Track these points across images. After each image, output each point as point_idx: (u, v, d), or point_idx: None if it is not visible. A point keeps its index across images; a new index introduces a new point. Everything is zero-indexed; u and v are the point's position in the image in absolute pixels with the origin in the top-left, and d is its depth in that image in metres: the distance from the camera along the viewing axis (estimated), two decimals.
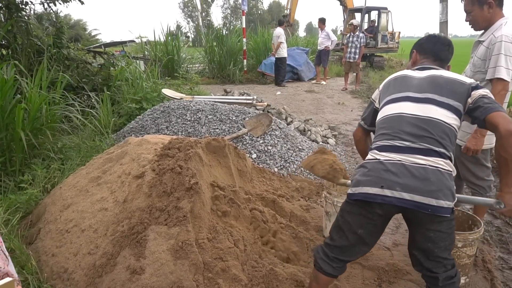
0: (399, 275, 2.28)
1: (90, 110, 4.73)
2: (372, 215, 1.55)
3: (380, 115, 1.73)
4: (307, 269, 2.24)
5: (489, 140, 2.34)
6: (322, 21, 10.92)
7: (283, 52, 10.36)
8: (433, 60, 1.84)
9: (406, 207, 1.46)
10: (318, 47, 10.88)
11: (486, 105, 1.53)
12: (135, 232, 2.00)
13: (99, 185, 2.44)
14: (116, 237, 2.01)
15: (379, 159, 1.54)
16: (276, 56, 10.47)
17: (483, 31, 2.36)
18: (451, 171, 1.50)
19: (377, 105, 1.84)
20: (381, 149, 1.58)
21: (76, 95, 5.28)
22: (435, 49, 1.85)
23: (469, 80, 1.65)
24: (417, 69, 1.81)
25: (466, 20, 2.36)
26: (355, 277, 2.27)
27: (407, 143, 1.53)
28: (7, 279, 0.91)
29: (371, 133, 1.94)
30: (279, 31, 10.37)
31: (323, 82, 11.12)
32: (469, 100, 1.59)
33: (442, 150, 1.51)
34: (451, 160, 1.53)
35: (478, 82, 1.67)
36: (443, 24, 11.62)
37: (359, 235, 1.59)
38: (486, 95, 1.58)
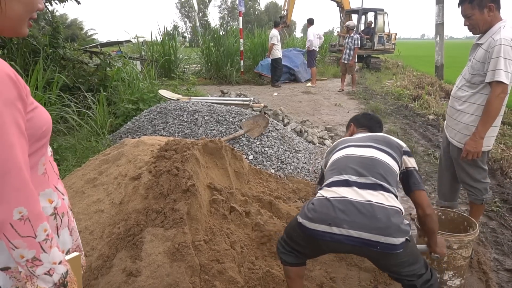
0: None
1: (86, 111, 4.71)
2: (318, 247, 1.61)
3: (328, 165, 1.85)
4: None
5: (487, 142, 2.36)
6: (308, 21, 11.02)
7: (277, 53, 10.43)
8: (368, 132, 2.10)
9: (354, 244, 1.47)
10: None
11: (417, 181, 1.75)
12: (131, 234, 1.99)
13: (95, 187, 2.43)
14: (112, 239, 2.00)
15: (326, 196, 1.56)
16: (271, 58, 10.55)
17: (480, 34, 2.36)
18: (397, 207, 1.51)
19: (323, 168, 2.00)
20: (330, 185, 1.63)
21: (72, 95, 5.26)
22: (370, 124, 2.17)
23: (402, 144, 1.86)
24: (355, 135, 2.06)
25: (465, 25, 2.35)
26: (351, 278, 2.27)
27: (354, 177, 1.60)
28: (75, 254, 0.95)
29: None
30: (273, 32, 10.48)
31: (308, 84, 11.10)
32: (403, 162, 1.78)
33: (387, 185, 1.57)
34: (396, 197, 1.58)
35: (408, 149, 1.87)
36: (439, 25, 11.72)
37: (307, 253, 1.70)
38: (416, 168, 1.80)
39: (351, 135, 2.13)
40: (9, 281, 0.85)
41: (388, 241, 1.42)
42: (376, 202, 1.49)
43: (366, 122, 2.19)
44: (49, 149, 0.98)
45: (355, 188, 1.55)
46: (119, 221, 2.09)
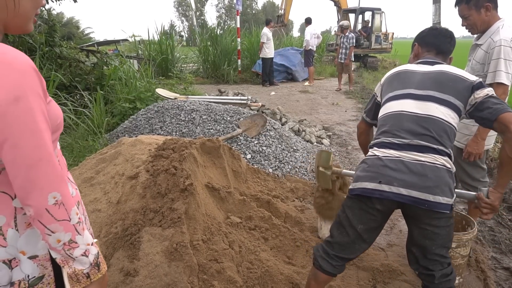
0: (393, 275, 2.28)
1: (83, 110, 4.68)
2: (372, 210, 1.57)
3: (381, 112, 1.74)
4: (303, 270, 2.24)
5: (487, 142, 2.36)
6: (306, 21, 10.99)
7: (266, 52, 10.36)
8: (435, 53, 1.82)
9: (403, 202, 1.48)
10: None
11: (495, 106, 1.51)
12: (128, 233, 1.98)
13: (92, 186, 2.41)
14: (110, 238, 1.99)
15: (378, 155, 1.57)
16: (260, 56, 10.56)
17: (479, 34, 2.35)
18: (450, 168, 1.50)
19: (379, 99, 1.85)
20: (380, 145, 1.61)
21: (68, 94, 5.23)
22: (437, 42, 1.83)
23: (472, 77, 1.62)
24: (420, 62, 1.78)
25: (463, 25, 2.35)
26: (350, 277, 2.27)
27: (405, 141, 1.55)
28: (95, 240, 0.97)
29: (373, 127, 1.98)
30: (263, 31, 10.46)
31: (306, 83, 11.09)
32: (471, 98, 1.58)
33: (441, 147, 1.52)
34: (450, 158, 1.53)
35: (481, 79, 1.64)
36: (436, 25, 11.74)
37: (359, 231, 1.60)
38: (493, 94, 1.56)
39: (416, 56, 1.88)
40: (37, 269, 0.87)
41: (436, 199, 1.44)
42: (428, 162, 1.48)
43: (433, 40, 1.85)
44: (58, 143, 1.01)
45: (406, 150, 1.53)
46: (116, 220, 2.08)
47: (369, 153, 1.64)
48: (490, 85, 2.20)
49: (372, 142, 1.69)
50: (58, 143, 1.00)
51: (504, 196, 3.48)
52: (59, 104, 4.42)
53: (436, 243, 1.55)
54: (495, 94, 1.58)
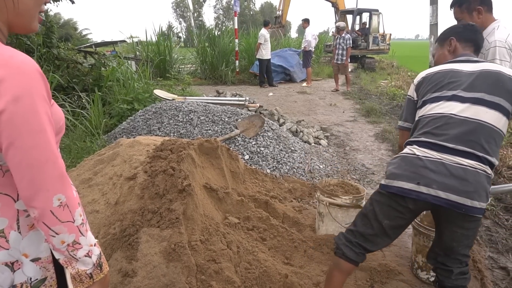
0: (391, 275, 2.29)
1: (81, 111, 4.68)
2: (403, 208, 1.55)
3: (424, 111, 1.64)
4: (301, 270, 2.24)
5: None
6: (305, 21, 11.01)
7: (262, 53, 10.36)
8: (474, 49, 1.76)
9: (440, 205, 1.46)
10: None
11: None
12: (127, 234, 1.98)
13: (90, 187, 2.41)
14: (108, 239, 1.99)
15: (418, 155, 1.52)
16: (257, 57, 10.58)
17: None
18: (489, 174, 1.48)
19: (415, 99, 1.75)
20: (422, 145, 1.55)
21: (66, 95, 5.22)
22: (476, 38, 1.77)
23: None
24: (462, 61, 1.70)
25: None
26: (347, 278, 2.27)
27: (450, 145, 1.49)
28: (96, 240, 0.98)
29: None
30: (261, 32, 10.50)
31: (304, 84, 11.11)
32: None
33: (485, 155, 1.48)
34: (491, 166, 1.50)
35: None
36: (433, 26, 11.77)
37: (384, 225, 1.59)
38: None
39: (453, 52, 1.79)
40: (39, 272, 0.88)
41: (473, 204, 1.43)
42: (469, 166, 1.45)
43: (472, 36, 1.77)
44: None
45: (448, 154, 1.48)
46: (114, 221, 2.08)
47: (407, 151, 1.58)
48: None
49: (410, 139, 1.64)
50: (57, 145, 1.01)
51: (501, 196, 3.50)
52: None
53: (463, 244, 1.57)
54: None
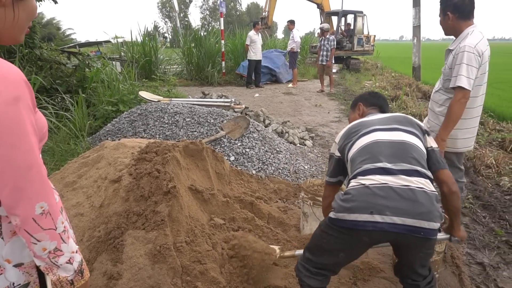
0: (373, 273, 2.35)
1: (64, 113, 4.62)
2: (358, 241, 1.51)
3: (353, 150, 1.69)
4: (285, 269, 2.28)
5: (466, 143, 2.50)
6: (291, 22, 11.10)
7: (251, 54, 10.44)
8: (379, 111, 1.99)
9: (398, 232, 1.41)
10: (287, 49, 11.13)
11: (441, 160, 1.67)
12: (112, 237, 1.98)
13: (74, 190, 2.40)
14: (93, 242, 1.99)
15: (364, 183, 1.48)
16: (247, 58, 10.68)
17: (454, 39, 2.46)
18: (435, 192, 1.48)
19: (338, 155, 1.83)
20: (365, 173, 1.53)
21: (49, 97, 5.14)
22: (379, 102, 2.04)
23: (420, 122, 1.79)
24: (369, 115, 1.93)
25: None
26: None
27: (389, 165, 1.50)
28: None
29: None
30: (248, 34, 10.59)
31: (290, 85, 11.18)
32: (426, 141, 1.71)
33: (423, 170, 1.51)
34: (431, 181, 1.54)
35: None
36: (416, 28, 12.05)
37: (340, 258, 1.58)
38: (438, 148, 1.72)
39: (361, 115, 2.00)
40: (22, 277, 0.89)
41: (431, 226, 1.41)
42: (416, 187, 1.44)
43: (375, 100, 2.04)
44: None
45: (392, 175, 1.48)
46: (99, 224, 2.08)
47: (352, 184, 1.54)
48: (453, 88, 2.32)
49: (351, 174, 1.62)
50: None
51: (479, 194, 3.62)
52: (39, 107, 4.36)
53: (424, 264, 1.62)
54: (437, 148, 1.71)
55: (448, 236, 1.79)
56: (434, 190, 1.49)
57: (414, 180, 1.46)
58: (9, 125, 0.75)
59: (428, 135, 1.74)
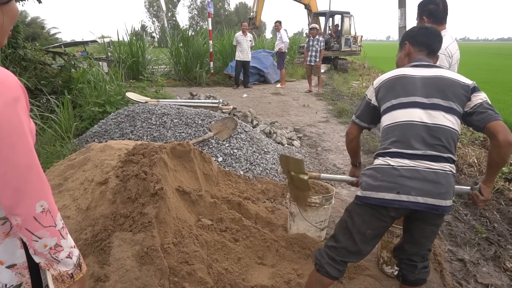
0: (358, 270, 2.40)
1: (49, 115, 4.56)
2: (385, 217, 1.63)
3: (387, 120, 1.71)
4: (273, 269, 2.32)
5: None
6: (280, 23, 11.14)
7: (238, 55, 10.48)
8: (427, 53, 1.83)
9: (419, 209, 1.56)
10: (275, 50, 11.12)
11: (487, 113, 1.61)
12: (98, 239, 1.99)
13: (60, 193, 2.39)
14: (79, 245, 1.99)
15: (392, 165, 1.59)
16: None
17: None
18: (454, 173, 1.62)
19: (374, 103, 1.81)
20: (393, 155, 1.62)
21: (34, 98, 5.07)
22: (429, 41, 1.83)
23: (468, 81, 1.69)
24: (414, 66, 1.79)
25: None
26: None
27: (419, 152, 1.58)
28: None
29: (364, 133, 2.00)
30: (235, 35, 10.67)
31: (278, 85, 11.21)
32: (469, 103, 1.66)
33: (450, 155, 1.60)
34: (454, 163, 1.64)
35: (475, 83, 1.71)
36: (402, 29, 12.21)
37: (367, 235, 1.66)
38: (486, 100, 1.64)
39: (408, 56, 1.87)
40: (15, 278, 0.91)
41: (447, 203, 1.56)
42: (440, 170, 1.56)
43: (424, 39, 1.84)
44: None
45: (420, 160, 1.57)
46: (86, 226, 2.08)
47: (380, 162, 1.64)
48: None
49: (380, 150, 1.68)
50: None
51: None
52: None
53: (430, 240, 1.72)
54: (488, 100, 1.65)
55: (468, 188, 1.79)
56: (454, 172, 1.61)
57: (439, 165, 1.57)
58: (9, 125, 0.78)
59: (477, 91, 1.66)
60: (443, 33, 2.46)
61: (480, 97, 1.65)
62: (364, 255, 1.73)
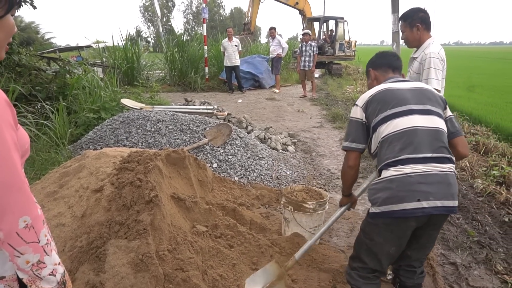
0: None
1: (44, 122, 4.56)
2: (406, 229, 1.63)
3: (389, 129, 1.71)
4: None
5: None
6: (274, 29, 11.18)
7: (224, 60, 10.63)
8: (392, 71, 1.97)
9: (439, 213, 1.58)
10: (270, 55, 11.05)
11: (456, 127, 1.81)
12: (94, 247, 2.00)
13: (55, 200, 2.40)
14: (75, 252, 2.00)
15: (407, 173, 1.59)
16: None
17: (416, 49, 2.77)
18: (456, 173, 1.70)
19: (365, 121, 1.82)
20: (405, 162, 1.62)
21: (28, 104, 5.07)
22: (388, 61, 1.99)
23: (441, 94, 1.89)
24: (393, 82, 1.87)
25: (402, 38, 2.81)
26: (311, 279, 2.39)
27: (428, 155, 1.62)
28: None
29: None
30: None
31: (276, 90, 11.21)
32: (445, 111, 1.82)
33: (451, 156, 1.68)
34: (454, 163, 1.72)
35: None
36: (395, 34, 12.34)
37: (391, 253, 1.68)
38: (454, 116, 1.84)
39: (376, 79, 1.99)
40: None
41: (456, 203, 1.61)
42: (448, 171, 1.62)
43: (384, 61, 2.01)
44: None
45: (430, 163, 1.61)
46: (81, 234, 2.09)
47: (392, 172, 1.62)
48: None
49: (390, 160, 1.66)
50: None
51: None
52: (18, 116, 4.29)
53: (434, 243, 1.79)
54: (454, 117, 1.85)
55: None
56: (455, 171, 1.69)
57: (446, 166, 1.63)
58: None
59: (446, 103, 1.85)
60: (431, 40, 2.65)
61: (449, 111, 1.85)
62: (390, 263, 1.79)
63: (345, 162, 1.89)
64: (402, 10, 12.00)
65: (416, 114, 1.70)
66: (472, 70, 19.22)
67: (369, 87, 2.00)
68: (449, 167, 1.63)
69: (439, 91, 2.52)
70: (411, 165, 1.60)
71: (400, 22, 2.70)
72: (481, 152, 5.13)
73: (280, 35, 11.30)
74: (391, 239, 1.63)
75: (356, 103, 1.86)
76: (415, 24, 2.64)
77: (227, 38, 10.54)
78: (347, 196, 2.09)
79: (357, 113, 1.84)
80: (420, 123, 1.68)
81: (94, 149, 3.83)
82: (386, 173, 1.64)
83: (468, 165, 4.54)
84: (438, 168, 1.61)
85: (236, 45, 10.48)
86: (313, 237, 2.24)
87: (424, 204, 1.54)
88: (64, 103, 4.91)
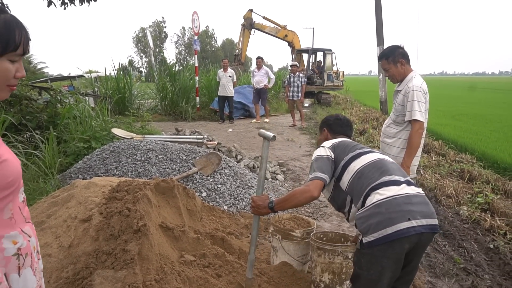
0: None
1: (33, 151, 4.56)
2: (401, 252, 1.61)
3: (360, 163, 1.83)
4: None
5: (412, 170, 2.82)
6: (261, 59, 11.43)
7: (218, 90, 10.92)
8: (344, 138, 2.17)
9: (426, 231, 1.61)
10: (256, 86, 10.95)
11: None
12: (80, 277, 1.99)
13: (42, 230, 2.39)
14: (60, 283, 1.98)
15: (391, 195, 1.65)
16: None
17: (399, 82, 2.89)
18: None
19: (333, 159, 1.92)
20: (386, 184, 1.69)
21: (18, 133, 5.07)
22: (343, 130, 2.23)
23: None
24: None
25: (386, 76, 2.94)
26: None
27: (401, 178, 1.74)
28: None
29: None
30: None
31: (266, 120, 11.29)
32: None
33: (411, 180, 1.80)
34: None
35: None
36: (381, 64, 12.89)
37: (390, 280, 1.67)
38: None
39: (326, 139, 2.18)
40: None
41: (437, 222, 1.66)
42: (421, 192, 1.71)
43: (340, 129, 2.22)
44: (23, 195, 1.08)
45: (404, 185, 1.69)
46: (67, 264, 2.08)
47: (377, 197, 1.66)
48: (409, 122, 2.73)
49: (372, 183, 1.72)
50: (22, 194, 1.07)
51: (440, 223, 3.82)
52: (7, 145, 4.30)
53: (418, 267, 1.86)
54: None
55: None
56: None
57: (417, 189, 1.73)
58: None
59: None
60: (413, 73, 2.79)
61: None
62: None
63: (305, 188, 1.82)
64: (387, 42, 12.46)
65: (374, 153, 1.93)
66: (456, 99, 19.85)
67: (318, 143, 2.20)
68: (419, 189, 1.73)
69: (422, 122, 2.67)
70: (390, 187, 1.68)
71: (380, 61, 2.86)
72: (466, 180, 5.25)
73: (270, 65, 11.58)
74: (388, 266, 1.62)
75: (322, 145, 2.03)
76: (398, 60, 2.76)
77: (222, 69, 10.81)
78: (272, 211, 2.04)
79: (326, 151, 1.95)
80: (378, 157, 1.89)
81: (83, 179, 3.83)
82: (371, 200, 1.67)
83: (453, 192, 4.63)
84: (413, 190, 1.71)
85: (230, 76, 10.72)
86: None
87: (414, 223, 1.58)
88: (54, 133, 4.93)
